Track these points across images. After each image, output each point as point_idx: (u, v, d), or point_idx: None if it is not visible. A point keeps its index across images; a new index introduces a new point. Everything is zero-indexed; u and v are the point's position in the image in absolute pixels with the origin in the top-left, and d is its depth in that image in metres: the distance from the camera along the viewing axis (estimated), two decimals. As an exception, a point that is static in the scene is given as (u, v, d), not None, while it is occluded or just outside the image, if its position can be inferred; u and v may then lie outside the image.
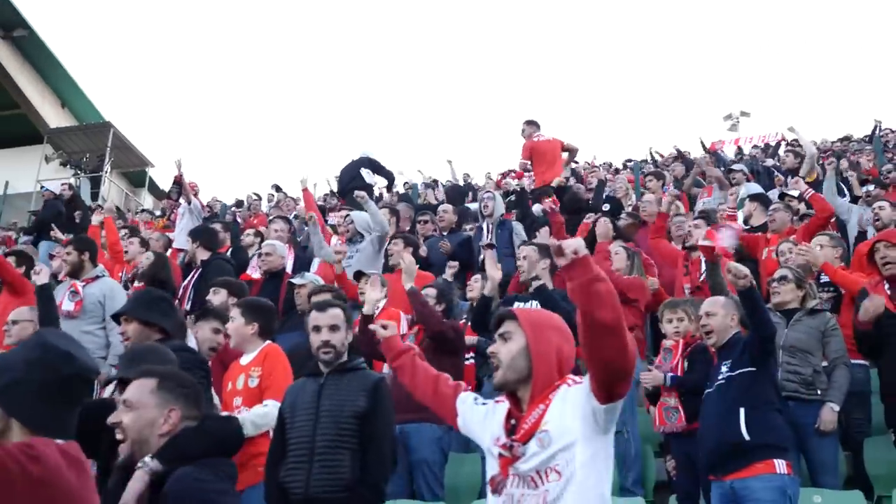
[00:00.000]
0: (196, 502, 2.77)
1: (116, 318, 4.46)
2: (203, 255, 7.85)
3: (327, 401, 4.06)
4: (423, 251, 8.68)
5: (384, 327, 3.46)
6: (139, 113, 65.79)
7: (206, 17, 75.81)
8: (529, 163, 11.16)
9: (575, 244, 2.50)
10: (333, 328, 4.20)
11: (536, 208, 10.01)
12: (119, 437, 2.93)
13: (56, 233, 10.88)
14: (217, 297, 5.84)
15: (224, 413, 4.40)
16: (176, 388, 2.99)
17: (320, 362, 4.20)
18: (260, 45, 78.07)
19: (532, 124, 11.25)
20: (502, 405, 2.91)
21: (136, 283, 7.58)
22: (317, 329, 4.21)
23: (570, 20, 72.99)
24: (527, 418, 2.73)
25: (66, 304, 6.38)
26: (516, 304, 5.36)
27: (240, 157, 64.73)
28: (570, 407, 2.66)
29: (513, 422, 2.81)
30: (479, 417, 2.97)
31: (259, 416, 4.50)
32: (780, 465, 4.31)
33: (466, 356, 6.31)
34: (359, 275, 7.01)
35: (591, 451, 2.63)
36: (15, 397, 2.15)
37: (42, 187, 15.39)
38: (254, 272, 8.22)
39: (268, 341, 4.86)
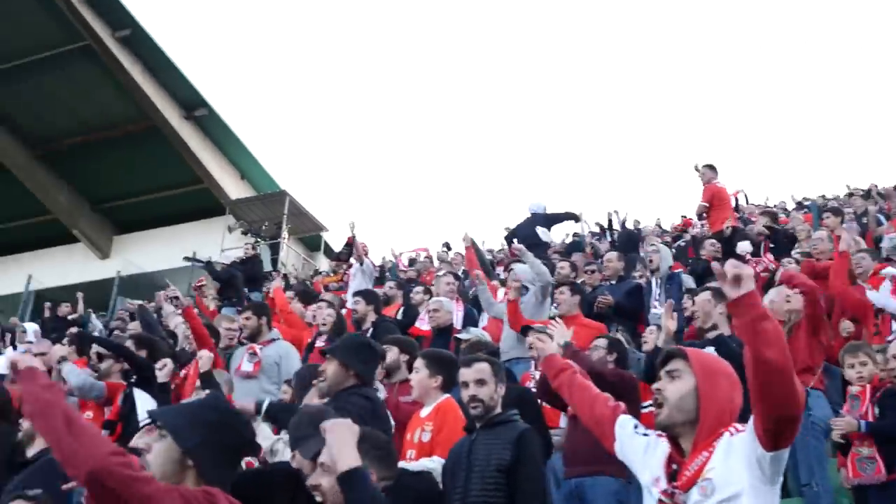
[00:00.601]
0: None
1: None
2: (373, 317, 7.94)
3: (476, 456, 4.02)
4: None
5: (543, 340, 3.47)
6: (313, 180, 68.64)
7: (374, 86, 78.61)
8: (708, 207, 10.74)
9: (738, 268, 2.41)
10: (480, 382, 4.16)
11: (743, 246, 9.57)
12: (318, 499, 2.95)
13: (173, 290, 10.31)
14: (390, 354, 5.87)
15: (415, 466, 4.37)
16: (371, 451, 2.98)
17: (473, 417, 4.17)
18: (425, 107, 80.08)
19: (712, 169, 10.89)
20: (663, 442, 2.81)
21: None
22: (465, 384, 4.20)
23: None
24: (689, 464, 2.63)
25: (245, 365, 6.66)
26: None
27: (410, 216, 66.14)
28: (735, 455, 2.54)
29: (674, 466, 2.70)
30: (640, 449, 2.88)
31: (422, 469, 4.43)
32: None
33: (644, 404, 6.02)
34: (525, 330, 6.83)
35: (756, 503, 2.51)
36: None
37: (191, 261, 16.15)
38: (422, 324, 8.27)
39: (447, 395, 4.81)
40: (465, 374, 4.21)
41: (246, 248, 15.87)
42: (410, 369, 6.14)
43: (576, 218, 14.14)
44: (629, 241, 13.87)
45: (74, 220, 25.64)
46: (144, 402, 6.57)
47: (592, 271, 9.76)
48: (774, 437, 2.46)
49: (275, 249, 22.74)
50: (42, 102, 23.33)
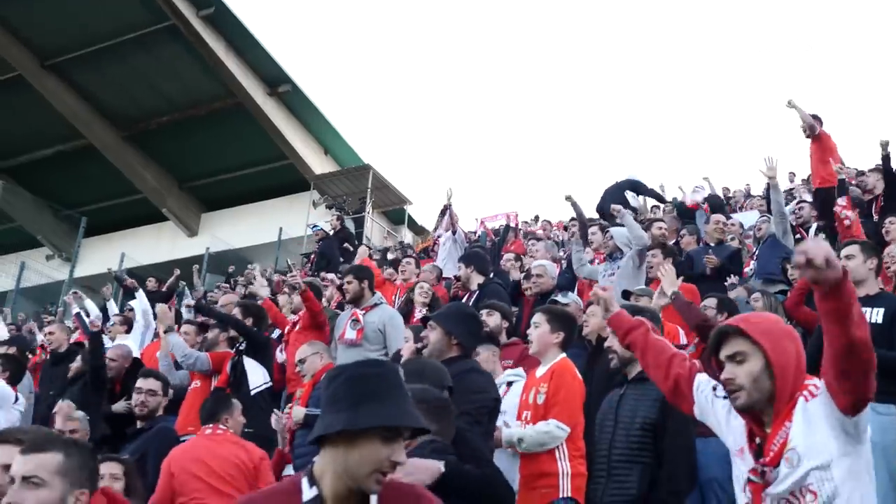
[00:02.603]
0: None
1: None
2: (478, 279, 7.80)
3: (623, 411, 3.90)
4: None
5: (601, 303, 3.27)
6: (396, 154, 68.93)
7: (456, 58, 78.34)
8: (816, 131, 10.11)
9: (826, 252, 2.19)
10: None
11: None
12: None
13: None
14: (492, 318, 5.71)
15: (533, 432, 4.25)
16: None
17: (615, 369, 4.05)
18: (509, 77, 79.53)
19: (816, 118, 10.29)
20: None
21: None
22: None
23: None
24: (773, 438, 2.56)
25: (349, 333, 6.56)
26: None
27: (492, 188, 65.97)
28: (817, 423, 2.49)
29: (758, 440, 2.63)
30: (722, 414, 2.77)
31: (542, 434, 4.26)
32: None
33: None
34: (626, 294, 6.56)
35: (847, 466, 2.46)
36: None
37: (314, 226, 16.28)
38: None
39: (563, 354, 4.61)
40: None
41: (332, 223, 15.89)
42: (510, 335, 5.99)
43: (662, 199, 13.74)
44: (718, 206, 13.46)
45: (163, 198, 26.11)
46: (254, 370, 6.55)
47: (684, 235, 9.50)
48: (857, 405, 2.42)
49: (359, 223, 22.76)
50: (129, 83, 23.71)
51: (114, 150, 25.10)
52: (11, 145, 25.39)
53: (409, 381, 3.43)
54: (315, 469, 2.05)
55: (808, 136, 9.48)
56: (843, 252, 5.01)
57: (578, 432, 4.24)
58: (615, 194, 11.96)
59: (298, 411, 5.52)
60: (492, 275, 9.17)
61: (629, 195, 11.96)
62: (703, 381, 2.86)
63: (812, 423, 2.48)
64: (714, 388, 2.81)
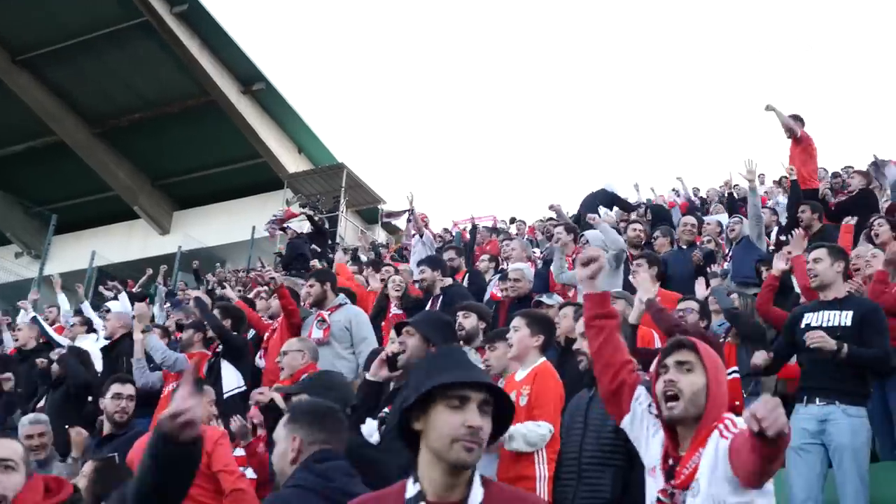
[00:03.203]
0: None
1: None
2: (443, 282, 7.82)
3: (593, 414, 3.90)
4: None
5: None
6: (370, 153, 68.87)
7: (429, 57, 78.35)
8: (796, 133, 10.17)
9: (779, 423, 2.16)
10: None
11: None
12: None
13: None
14: (468, 320, 5.71)
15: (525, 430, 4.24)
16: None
17: (586, 373, 4.02)
18: (479, 77, 79.62)
19: (797, 119, 10.36)
20: (660, 431, 2.81)
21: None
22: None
23: None
24: (686, 462, 2.65)
25: (315, 333, 6.57)
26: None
27: (465, 187, 66.06)
28: (721, 464, 2.55)
29: (670, 462, 2.71)
30: (648, 429, 2.86)
31: (534, 434, 4.26)
32: None
33: (729, 370, 5.81)
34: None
35: None
36: None
37: (272, 218, 16.29)
38: (496, 290, 8.14)
39: (543, 358, 4.64)
40: (577, 327, 4.07)
41: (301, 221, 15.82)
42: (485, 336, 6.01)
43: (631, 209, 13.76)
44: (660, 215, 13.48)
45: (135, 196, 25.97)
46: (229, 373, 6.55)
47: (659, 236, 9.54)
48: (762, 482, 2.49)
49: (333, 222, 22.74)
50: (101, 80, 23.54)
51: (86, 147, 24.90)
52: (-20, 142, 25.14)
53: (317, 393, 3.54)
54: (418, 465, 2.09)
55: (788, 138, 9.58)
56: (811, 255, 5.09)
57: (556, 435, 4.26)
58: (591, 206, 12.02)
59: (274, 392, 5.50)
60: (467, 274, 9.22)
61: (602, 210, 11.99)
62: (643, 393, 2.91)
63: (718, 462, 2.56)
64: (650, 405, 2.87)
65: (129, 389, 5.56)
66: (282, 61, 66.02)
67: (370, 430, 4.05)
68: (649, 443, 2.83)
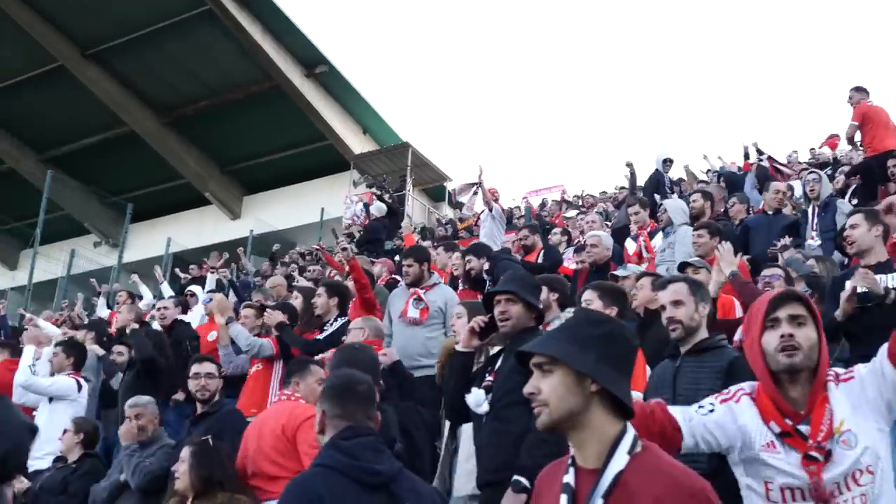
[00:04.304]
0: None
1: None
2: (476, 263, 7.81)
3: (683, 383, 3.73)
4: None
5: None
6: (434, 131, 68.76)
7: (493, 33, 77.85)
8: (858, 126, 10.11)
9: None
10: (676, 303, 3.88)
11: None
12: None
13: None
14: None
15: None
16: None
17: (674, 341, 3.90)
18: (544, 52, 78.89)
19: (861, 91, 10.22)
20: (743, 403, 2.72)
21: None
22: (662, 308, 3.95)
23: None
24: (821, 419, 2.56)
25: (412, 311, 6.66)
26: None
27: (533, 162, 65.61)
28: (860, 405, 2.56)
29: (788, 421, 2.61)
30: (725, 421, 2.72)
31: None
32: None
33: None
34: (682, 266, 6.47)
35: (886, 444, 2.56)
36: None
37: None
38: (570, 264, 8.11)
39: None
40: (661, 296, 3.96)
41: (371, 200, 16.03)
42: (562, 307, 6.00)
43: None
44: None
45: (205, 183, 26.41)
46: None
47: (735, 202, 9.43)
48: None
49: (400, 201, 22.86)
50: (167, 70, 23.87)
51: (156, 137, 25.37)
52: (57, 135, 25.81)
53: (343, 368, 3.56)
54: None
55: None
56: (849, 222, 5.08)
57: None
58: (649, 188, 11.89)
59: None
60: (543, 250, 9.17)
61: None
62: (678, 410, 2.78)
63: (856, 405, 2.55)
64: (698, 408, 2.77)
65: (206, 368, 5.67)
66: (343, 43, 66.33)
67: (478, 399, 4.01)
68: (737, 425, 2.69)
